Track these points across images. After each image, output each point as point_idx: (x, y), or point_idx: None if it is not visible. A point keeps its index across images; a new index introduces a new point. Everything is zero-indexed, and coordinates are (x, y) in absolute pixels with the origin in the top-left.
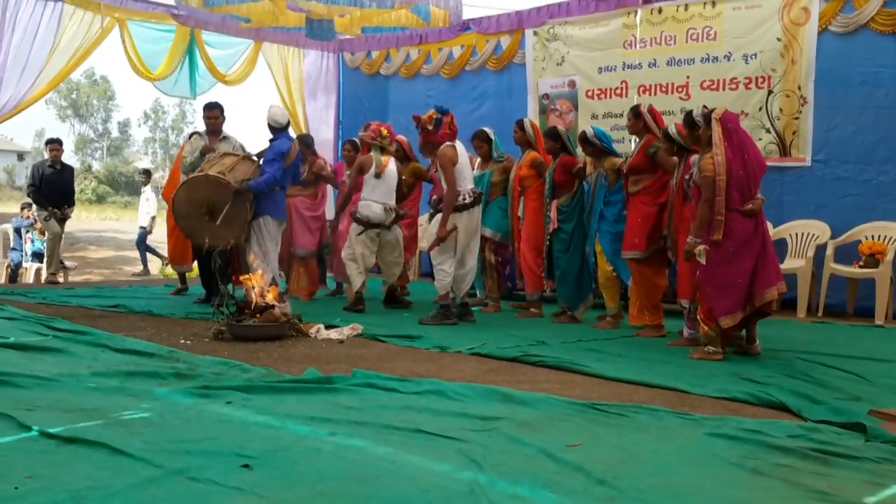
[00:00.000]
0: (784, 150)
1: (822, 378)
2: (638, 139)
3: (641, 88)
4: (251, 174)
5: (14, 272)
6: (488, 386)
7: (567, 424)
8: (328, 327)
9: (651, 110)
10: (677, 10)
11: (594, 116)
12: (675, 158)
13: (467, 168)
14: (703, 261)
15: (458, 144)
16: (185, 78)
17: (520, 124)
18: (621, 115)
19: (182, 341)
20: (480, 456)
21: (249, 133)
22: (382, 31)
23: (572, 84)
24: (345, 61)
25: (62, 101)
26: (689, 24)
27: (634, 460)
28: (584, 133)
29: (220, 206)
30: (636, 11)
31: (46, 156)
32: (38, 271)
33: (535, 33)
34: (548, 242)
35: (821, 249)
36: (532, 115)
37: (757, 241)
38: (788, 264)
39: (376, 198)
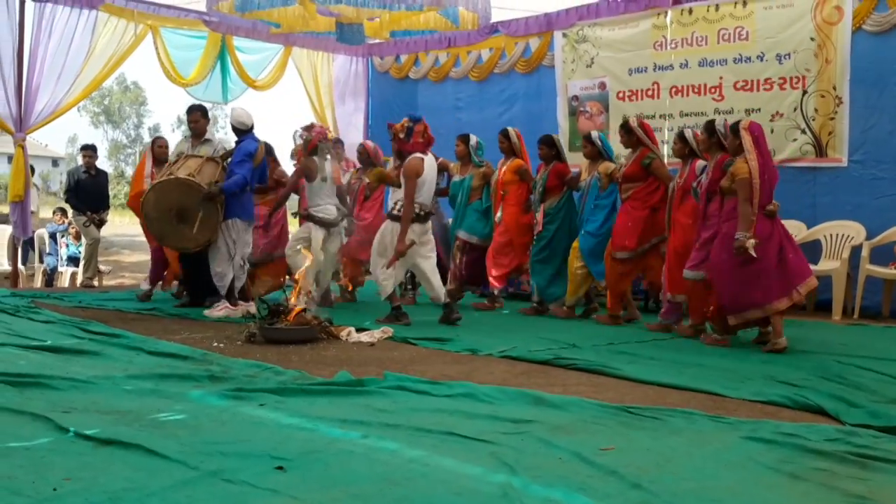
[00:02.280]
0: (820, 151)
1: (858, 381)
2: (632, 150)
3: (673, 89)
4: (217, 176)
5: (50, 276)
6: (520, 389)
7: (600, 428)
8: (359, 330)
9: (641, 124)
10: (708, 11)
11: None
12: (667, 169)
13: (428, 184)
14: (754, 253)
15: (428, 157)
16: (216, 83)
17: (504, 133)
18: (653, 116)
19: (215, 344)
20: (513, 459)
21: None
22: (411, 35)
23: (602, 86)
24: (374, 65)
25: (95, 108)
26: (721, 24)
27: (669, 464)
28: (588, 133)
29: (189, 209)
30: (666, 12)
31: (80, 162)
32: (73, 275)
33: (565, 35)
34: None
35: (856, 251)
36: (561, 118)
37: (773, 244)
38: (823, 265)
39: (330, 201)
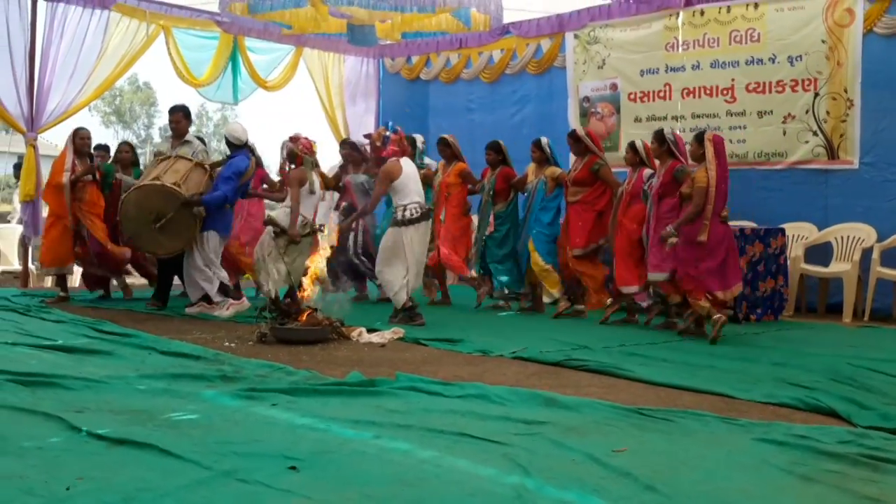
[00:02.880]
0: (832, 153)
1: (869, 383)
2: (580, 157)
3: (685, 91)
4: (203, 185)
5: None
6: (532, 390)
7: (612, 429)
8: (370, 331)
9: (589, 133)
10: (719, 12)
11: (637, 119)
12: (614, 176)
13: (413, 182)
14: (667, 247)
15: (405, 161)
16: (227, 83)
17: (444, 141)
18: (665, 117)
19: (227, 344)
20: (526, 460)
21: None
22: (422, 36)
23: (614, 87)
24: (385, 66)
25: (106, 108)
26: (732, 25)
27: (682, 466)
28: (538, 139)
29: (169, 216)
30: (678, 13)
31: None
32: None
33: (576, 36)
34: (483, 244)
35: (867, 253)
36: (573, 119)
37: (723, 248)
38: (834, 268)
39: (309, 213)
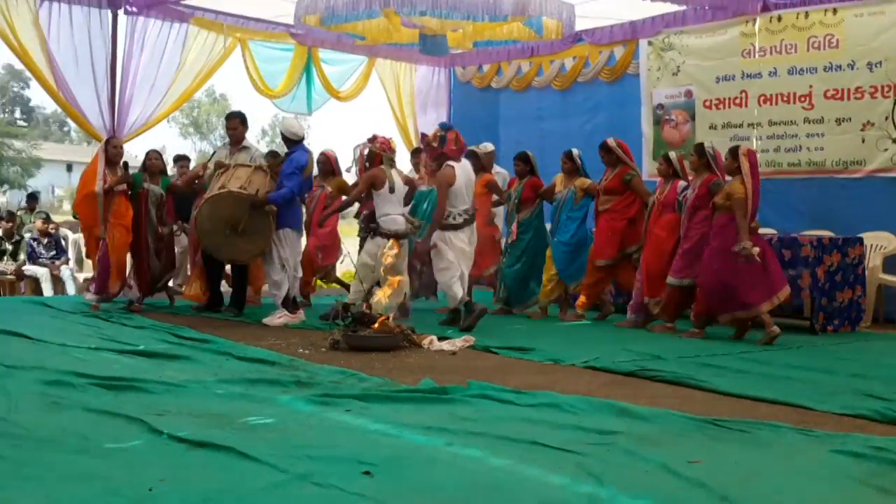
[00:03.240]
0: None
1: None
2: (612, 168)
3: (762, 98)
4: (267, 186)
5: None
6: (605, 400)
7: (687, 440)
8: (441, 339)
9: (620, 144)
10: (797, 18)
11: (712, 127)
12: (645, 186)
13: (466, 188)
14: (758, 259)
15: (462, 164)
16: (301, 94)
17: (472, 153)
18: (741, 125)
19: (300, 351)
20: (599, 470)
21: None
22: (494, 45)
23: (689, 94)
24: (456, 75)
25: (184, 119)
26: (810, 31)
27: (757, 477)
28: (569, 150)
29: (243, 222)
30: (755, 20)
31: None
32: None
33: (650, 43)
34: (505, 252)
35: None
36: (646, 126)
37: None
38: None
39: (396, 211)
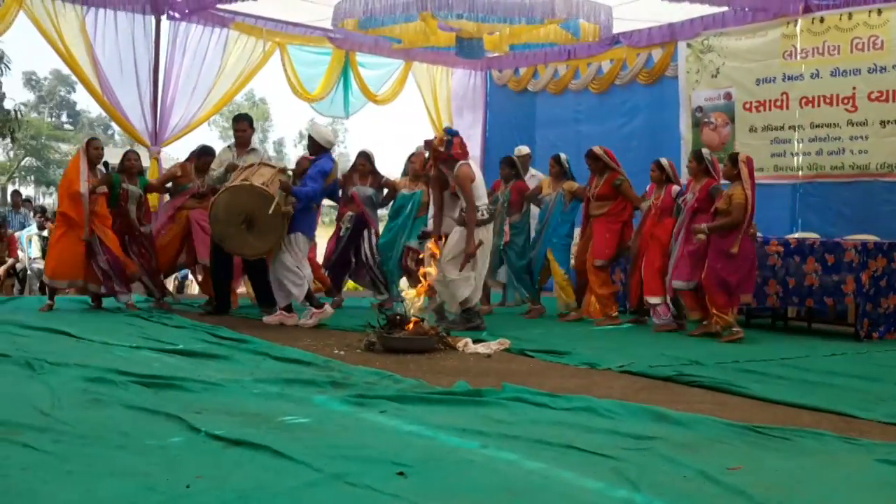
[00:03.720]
0: None
1: None
2: (600, 174)
3: (803, 100)
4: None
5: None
6: (641, 404)
7: (726, 447)
8: (476, 341)
9: (605, 151)
10: (840, 19)
11: (752, 129)
12: (634, 190)
13: (483, 185)
14: (696, 240)
15: (473, 163)
16: (339, 98)
17: (509, 160)
18: (782, 127)
19: (336, 351)
20: (636, 475)
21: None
22: (530, 48)
23: (728, 96)
24: (492, 78)
25: (224, 123)
26: (853, 33)
27: (799, 486)
28: (557, 154)
29: (257, 218)
30: (796, 21)
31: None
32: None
33: (689, 45)
34: (501, 253)
35: None
36: (684, 129)
37: (751, 257)
38: None
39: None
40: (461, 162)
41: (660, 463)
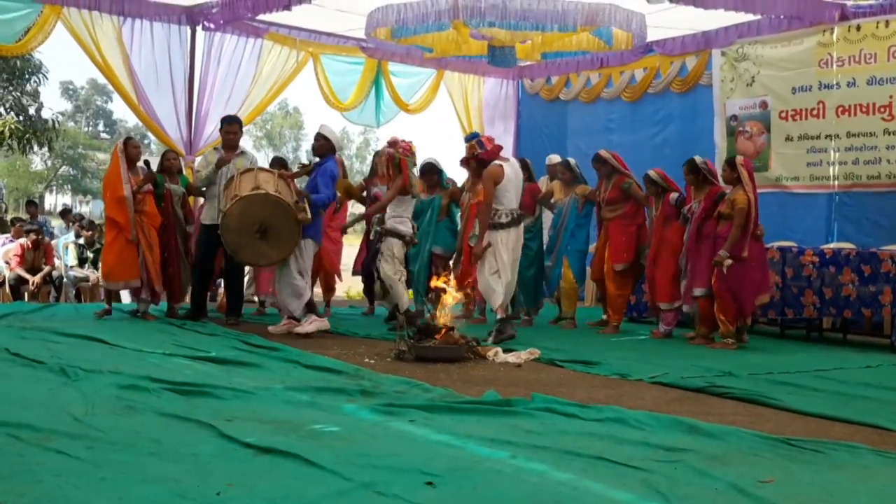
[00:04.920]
0: None
1: None
2: (608, 178)
3: (840, 109)
4: (291, 194)
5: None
6: (672, 416)
7: (758, 459)
8: (506, 351)
9: (613, 155)
10: (877, 27)
11: (788, 138)
12: (641, 192)
13: (513, 188)
14: (725, 270)
15: (510, 164)
16: (370, 107)
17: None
18: (818, 136)
19: (366, 360)
20: (666, 487)
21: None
22: (563, 56)
23: (763, 105)
24: (524, 87)
25: (257, 132)
26: (891, 41)
27: (832, 499)
28: (566, 160)
29: (272, 226)
30: (832, 29)
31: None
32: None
33: (723, 53)
34: None
35: None
36: (719, 138)
37: (760, 258)
38: None
39: (408, 215)
40: (495, 162)
41: (691, 475)
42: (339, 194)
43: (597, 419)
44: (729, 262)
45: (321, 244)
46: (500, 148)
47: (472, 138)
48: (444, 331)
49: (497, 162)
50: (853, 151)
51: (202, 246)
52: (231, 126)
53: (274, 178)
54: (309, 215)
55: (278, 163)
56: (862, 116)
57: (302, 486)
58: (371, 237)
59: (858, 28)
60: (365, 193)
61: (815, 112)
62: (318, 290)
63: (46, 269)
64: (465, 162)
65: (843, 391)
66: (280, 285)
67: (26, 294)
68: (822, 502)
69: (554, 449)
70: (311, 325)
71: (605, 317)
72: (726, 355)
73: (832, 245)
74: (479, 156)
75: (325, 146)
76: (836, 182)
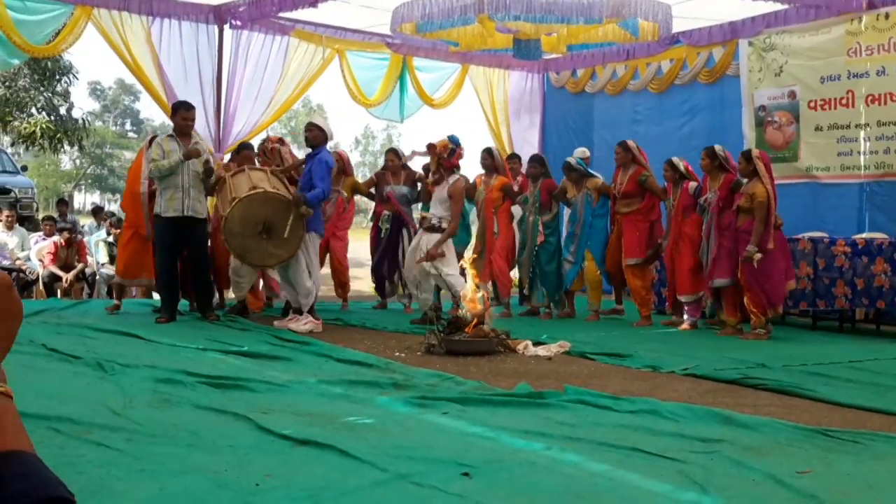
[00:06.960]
0: None
1: None
2: (624, 169)
3: (870, 98)
4: (286, 189)
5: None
6: (707, 407)
7: (795, 450)
8: (536, 344)
9: (637, 147)
10: None
11: (818, 128)
12: (659, 186)
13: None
14: (755, 265)
15: (466, 178)
16: (394, 102)
17: (489, 151)
18: (848, 125)
19: (397, 354)
20: (703, 478)
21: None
22: (588, 48)
23: (792, 95)
24: (549, 80)
25: (282, 129)
26: None
27: (872, 490)
28: (567, 163)
29: (276, 224)
30: (860, 17)
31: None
32: None
33: (751, 43)
34: (535, 253)
35: None
36: (747, 128)
37: (783, 248)
38: None
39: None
40: (460, 174)
41: (727, 466)
42: (345, 193)
43: (630, 411)
44: (759, 255)
45: (324, 235)
46: (454, 167)
47: (454, 141)
48: (473, 324)
49: (461, 175)
50: (884, 140)
51: (164, 244)
52: (189, 112)
53: (267, 175)
54: (310, 209)
55: (245, 149)
56: (892, 105)
57: (339, 477)
58: (381, 235)
59: (887, 16)
60: (374, 190)
61: (844, 101)
62: (331, 292)
63: (79, 266)
64: (432, 154)
65: (878, 382)
66: (289, 281)
67: (59, 291)
68: (860, 493)
69: (588, 440)
70: (305, 325)
71: (616, 306)
72: (758, 346)
73: (864, 235)
74: (443, 161)
75: (318, 136)
76: (867, 171)
